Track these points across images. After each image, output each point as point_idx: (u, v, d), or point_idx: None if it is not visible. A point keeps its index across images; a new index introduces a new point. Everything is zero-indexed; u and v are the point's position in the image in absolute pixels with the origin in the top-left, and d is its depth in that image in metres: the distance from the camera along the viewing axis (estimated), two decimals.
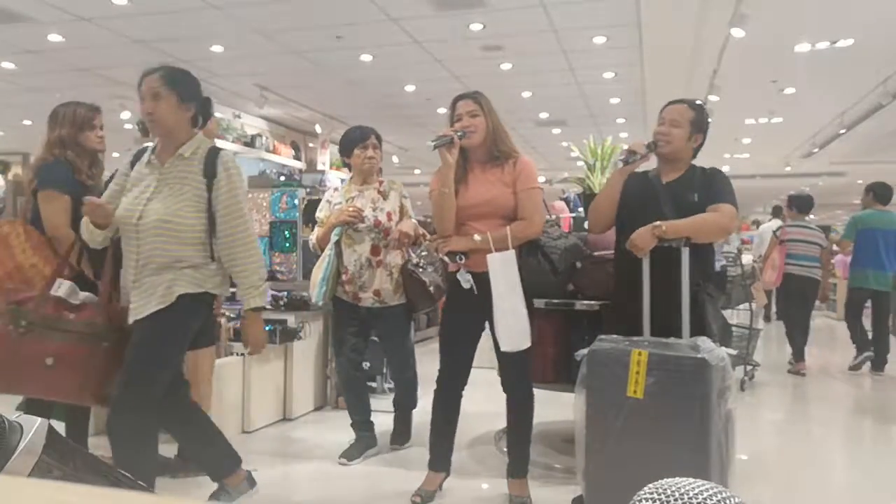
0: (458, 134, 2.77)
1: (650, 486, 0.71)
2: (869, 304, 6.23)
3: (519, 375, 2.89)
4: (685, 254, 2.64)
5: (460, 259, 2.82)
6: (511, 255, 2.73)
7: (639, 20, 5.73)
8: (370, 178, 3.58)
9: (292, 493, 3.18)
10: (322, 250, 3.49)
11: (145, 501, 0.63)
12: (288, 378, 4.34)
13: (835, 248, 7.50)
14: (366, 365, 4.49)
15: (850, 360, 6.24)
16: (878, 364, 6.11)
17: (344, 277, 3.46)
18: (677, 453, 2.35)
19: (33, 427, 0.74)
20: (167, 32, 6.09)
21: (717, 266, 4.66)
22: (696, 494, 0.69)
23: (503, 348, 2.77)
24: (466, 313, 2.90)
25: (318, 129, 9.75)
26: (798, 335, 6.09)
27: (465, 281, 2.81)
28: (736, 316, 7.00)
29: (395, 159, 12.76)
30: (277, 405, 4.30)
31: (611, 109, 9.28)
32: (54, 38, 6.23)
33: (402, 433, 3.80)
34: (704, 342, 2.48)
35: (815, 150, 11.30)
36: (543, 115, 9.64)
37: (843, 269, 9.48)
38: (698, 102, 2.95)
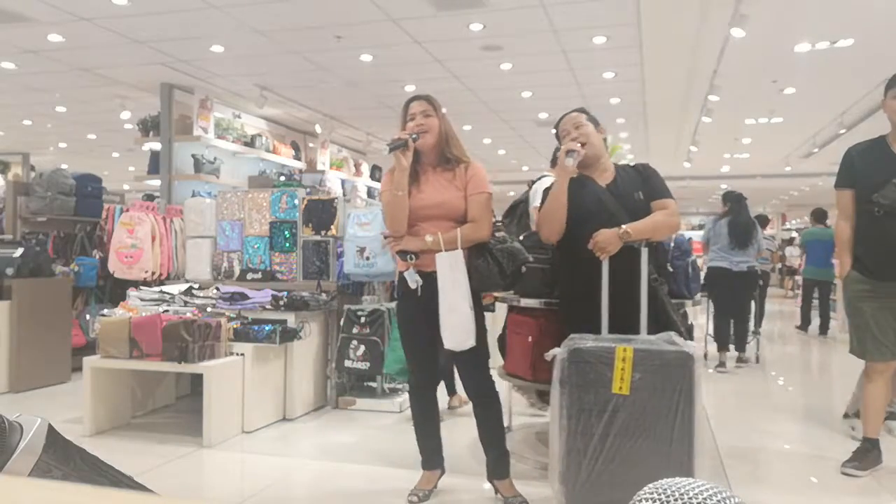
0: (413, 136, 2.84)
1: (650, 486, 0.71)
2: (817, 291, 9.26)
3: (476, 375, 2.91)
4: (644, 253, 2.77)
5: (411, 259, 2.87)
6: (458, 254, 2.78)
7: (639, 20, 5.73)
8: None
9: (292, 493, 3.18)
10: None
11: (145, 501, 0.63)
12: (288, 378, 4.35)
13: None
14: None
15: (813, 329, 9.28)
16: (824, 329, 9.02)
17: None
18: (663, 446, 2.38)
19: (33, 427, 0.74)
20: (167, 32, 6.09)
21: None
22: (696, 494, 0.69)
23: (446, 346, 2.80)
24: (419, 313, 2.92)
25: (318, 129, 9.75)
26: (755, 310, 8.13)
27: (413, 280, 2.87)
28: None
29: None
30: (277, 405, 4.30)
31: (611, 109, 9.28)
32: (54, 38, 6.22)
33: None
34: (676, 337, 2.58)
35: (815, 150, 11.30)
36: (543, 116, 9.62)
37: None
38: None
